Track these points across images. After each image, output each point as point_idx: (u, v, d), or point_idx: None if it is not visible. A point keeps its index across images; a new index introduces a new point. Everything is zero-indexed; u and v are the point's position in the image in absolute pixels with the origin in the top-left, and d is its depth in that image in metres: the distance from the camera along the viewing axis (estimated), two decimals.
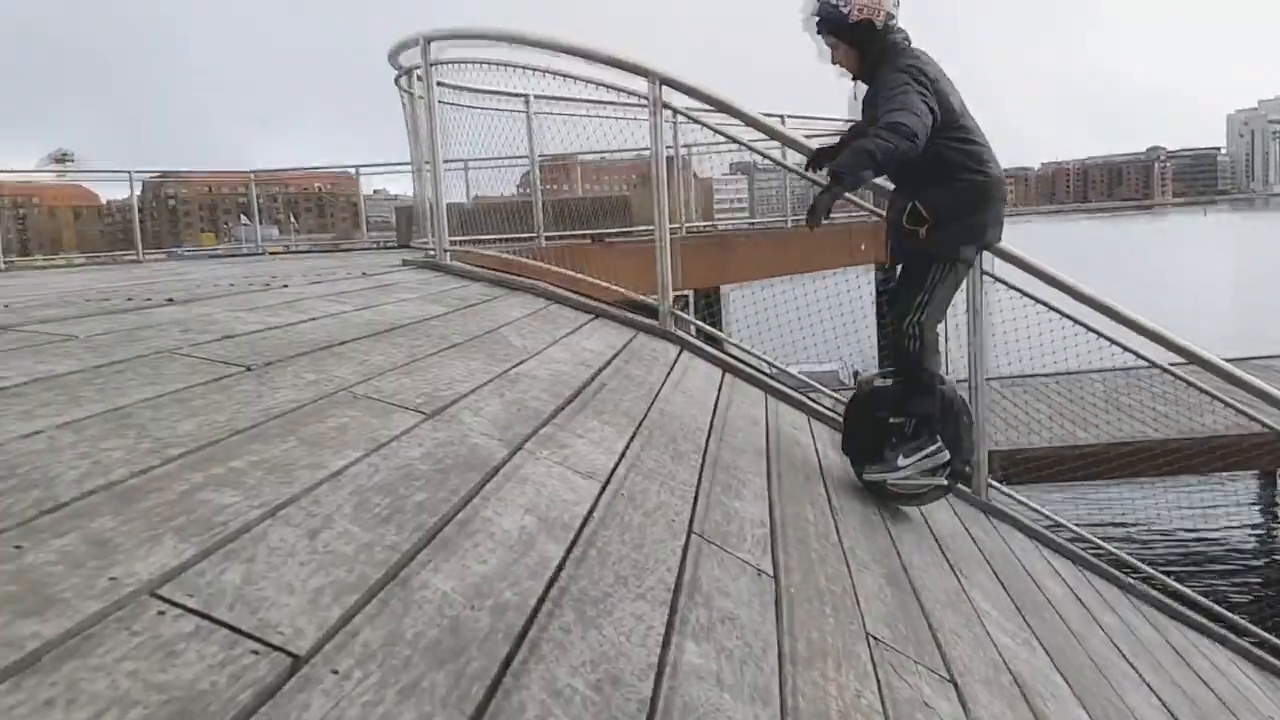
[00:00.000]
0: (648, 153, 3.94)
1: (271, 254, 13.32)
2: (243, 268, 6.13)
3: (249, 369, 1.97)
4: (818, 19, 2.77)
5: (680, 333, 3.80)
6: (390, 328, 2.70)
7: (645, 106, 3.91)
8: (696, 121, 4.19)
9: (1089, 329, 4.18)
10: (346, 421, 1.75)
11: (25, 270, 10.42)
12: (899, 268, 2.89)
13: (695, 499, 2.03)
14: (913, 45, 2.77)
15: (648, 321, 3.71)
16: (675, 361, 3.39)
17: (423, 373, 2.26)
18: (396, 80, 5.33)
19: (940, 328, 2.92)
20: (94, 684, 0.85)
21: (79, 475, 1.26)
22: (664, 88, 3.66)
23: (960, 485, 3.96)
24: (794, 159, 5.68)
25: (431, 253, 4.79)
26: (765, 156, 5.07)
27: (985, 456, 3.99)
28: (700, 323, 4.11)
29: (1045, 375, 8.68)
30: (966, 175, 2.76)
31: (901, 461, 2.84)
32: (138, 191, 12.53)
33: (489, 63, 4.78)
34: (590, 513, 1.69)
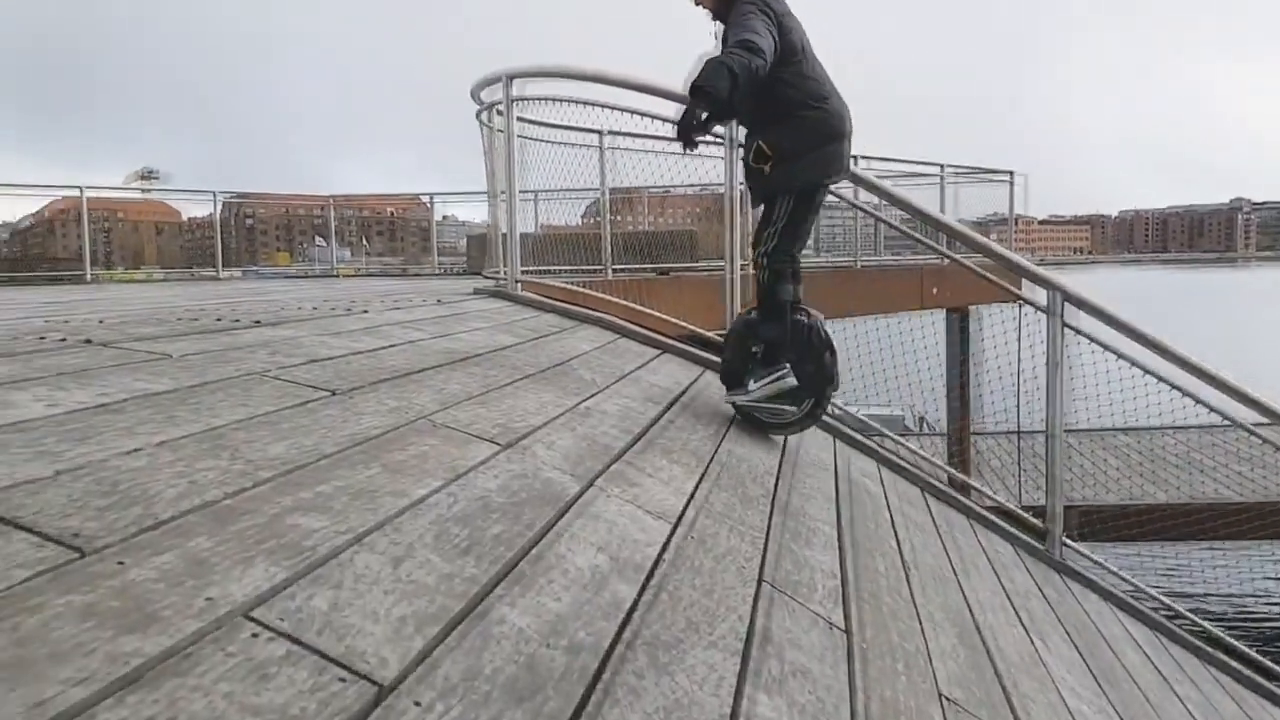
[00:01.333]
0: (714, 187, 3.98)
1: (344, 275, 13.71)
2: (321, 289, 6.33)
3: (334, 394, 2.02)
4: None
5: None
6: (465, 357, 2.75)
7: (705, 141, 3.97)
8: None
9: (1168, 384, 4.05)
10: (426, 450, 1.79)
11: (109, 283, 10.90)
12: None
13: (765, 545, 2.01)
14: None
15: (714, 359, 3.71)
16: None
17: (497, 403, 2.30)
18: (478, 115, 5.48)
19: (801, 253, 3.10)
20: (192, 703, 0.88)
21: (177, 494, 1.30)
22: (739, 126, 3.69)
23: (1029, 539, 3.85)
24: (864, 197, 5.67)
25: (502, 282, 4.87)
26: (836, 195, 5.05)
27: (1060, 512, 3.88)
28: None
29: (1119, 429, 8.41)
30: (804, 111, 2.91)
31: (751, 385, 3.02)
32: (219, 210, 13.02)
33: (568, 99, 4.89)
34: (661, 554, 1.69)
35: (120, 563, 1.09)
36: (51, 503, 1.19)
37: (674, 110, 4.38)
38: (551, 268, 5.69)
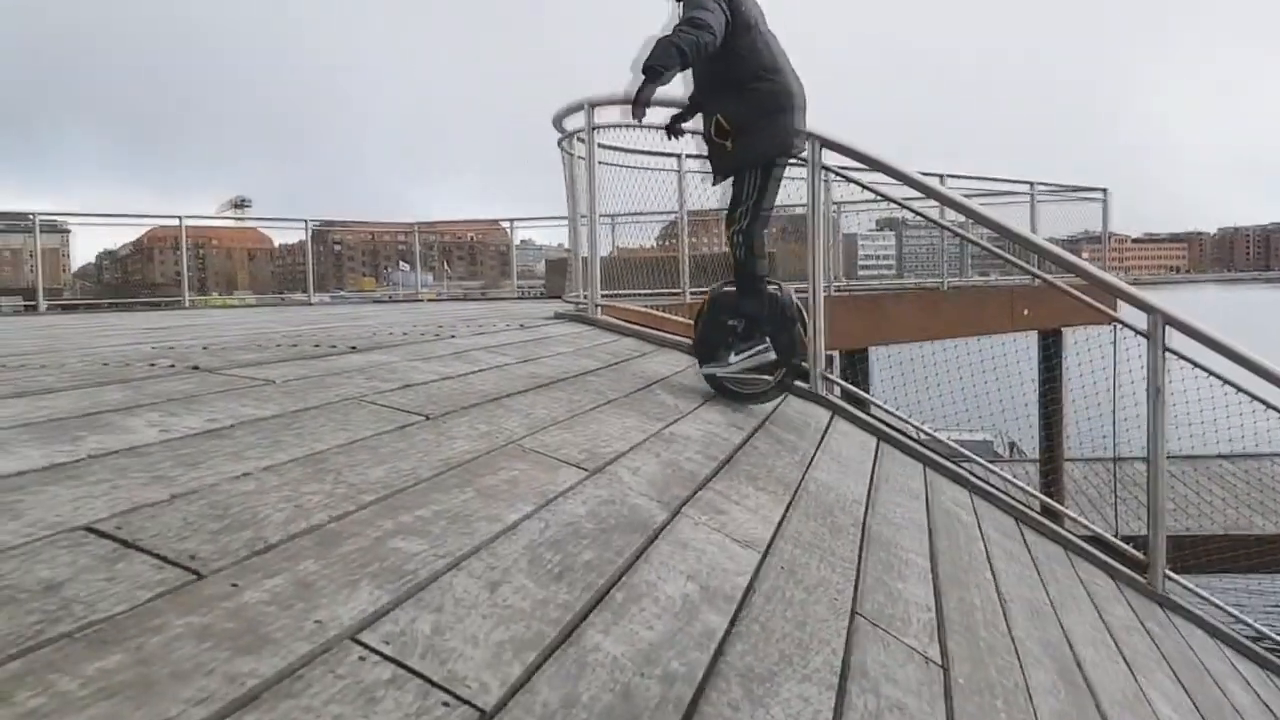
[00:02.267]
0: (791, 208, 3.97)
1: (427, 300, 14.07)
2: (407, 314, 6.50)
3: (427, 418, 2.07)
4: None
5: (831, 397, 3.74)
6: (550, 381, 2.79)
7: (794, 163, 3.98)
8: (851, 180, 4.16)
9: (1276, 409, 3.85)
10: (517, 475, 1.81)
11: (205, 308, 11.41)
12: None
13: (857, 577, 1.97)
14: None
15: (799, 384, 3.66)
16: (827, 427, 3.33)
17: (582, 428, 2.31)
18: (559, 142, 5.57)
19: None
20: None
21: (284, 518, 1.35)
22: (822, 149, 3.67)
23: (1129, 571, 3.69)
24: (951, 217, 5.56)
25: (582, 306, 4.93)
26: (922, 215, 4.97)
27: (1162, 543, 3.70)
28: (852, 388, 4.02)
29: (1223, 456, 8.01)
30: (755, 83, 3.03)
31: (732, 358, 3.14)
32: (303, 236, 13.52)
33: (648, 126, 4.93)
34: (751, 584, 1.67)
35: (234, 585, 1.13)
36: (169, 526, 1.25)
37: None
38: (629, 291, 5.73)
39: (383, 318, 5.81)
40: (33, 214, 12.35)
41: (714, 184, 3.30)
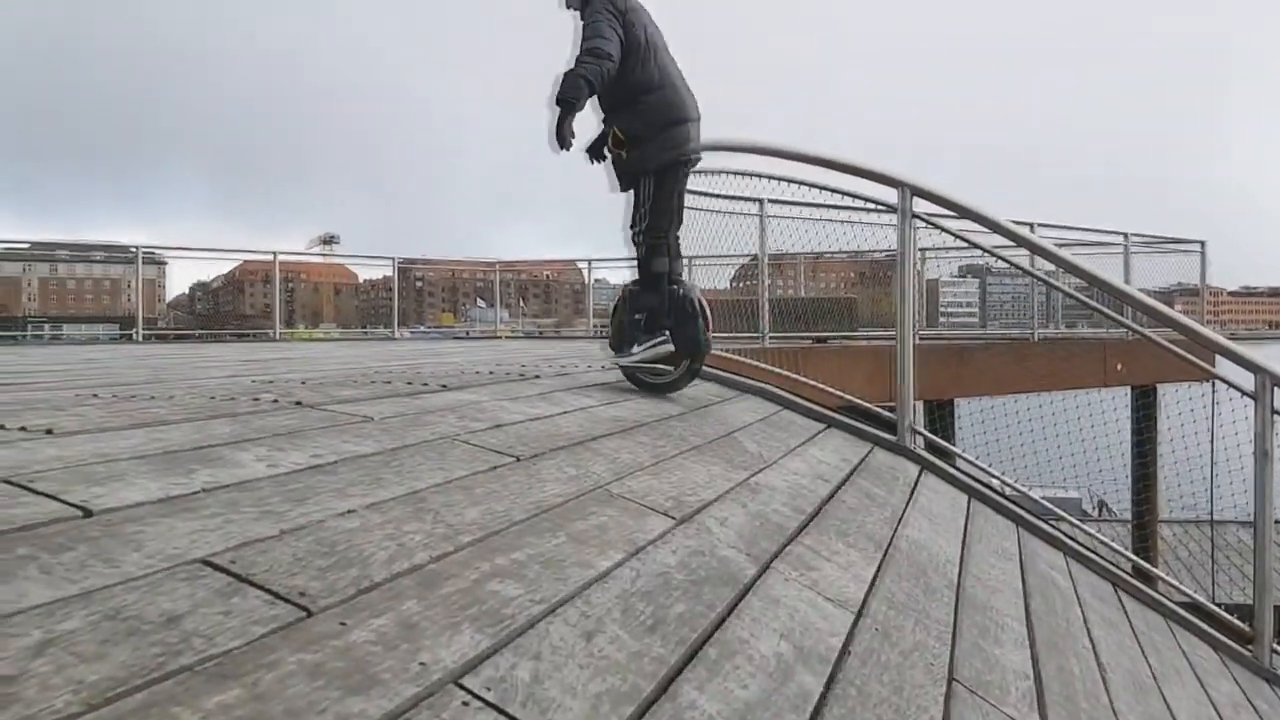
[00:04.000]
0: (872, 253, 3.93)
1: (505, 336, 14.32)
2: (489, 352, 6.62)
3: (518, 459, 2.09)
4: None
5: (919, 450, 3.65)
6: (634, 425, 2.79)
7: (870, 209, 3.98)
8: (939, 228, 4.10)
9: None
10: (606, 521, 1.81)
11: (293, 341, 11.82)
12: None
13: (953, 641, 1.90)
14: None
15: (885, 436, 3.59)
16: (916, 481, 3.25)
17: (668, 474, 2.31)
18: None
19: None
20: None
21: (388, 556, 1.37)
22: (913, 198, 3.64)
23: (1232, 643, 3.49)
24: (1041, 266, 5.43)
25: None
26: (1013, 264, 4.87)
27: (1270, 614, 3.49)
28: (943, 442, 3.92)
29: None
30: (645, 96, 3.27)
31: (635, 349, 3.41)
32: (388, 272, 13.93)
33: (729, 171, 4.98)
34: (845, 645, 1.63)
35: (342, 623, 1.15)
36: (279, 561, 1.28)
37: (818, 174, 4.43)
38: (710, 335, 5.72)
39: (466, 355, 5.93)
40: (135, 246, 13.06)
41: (621, 190, 3.47)
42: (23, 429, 1.86)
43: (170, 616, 1.07)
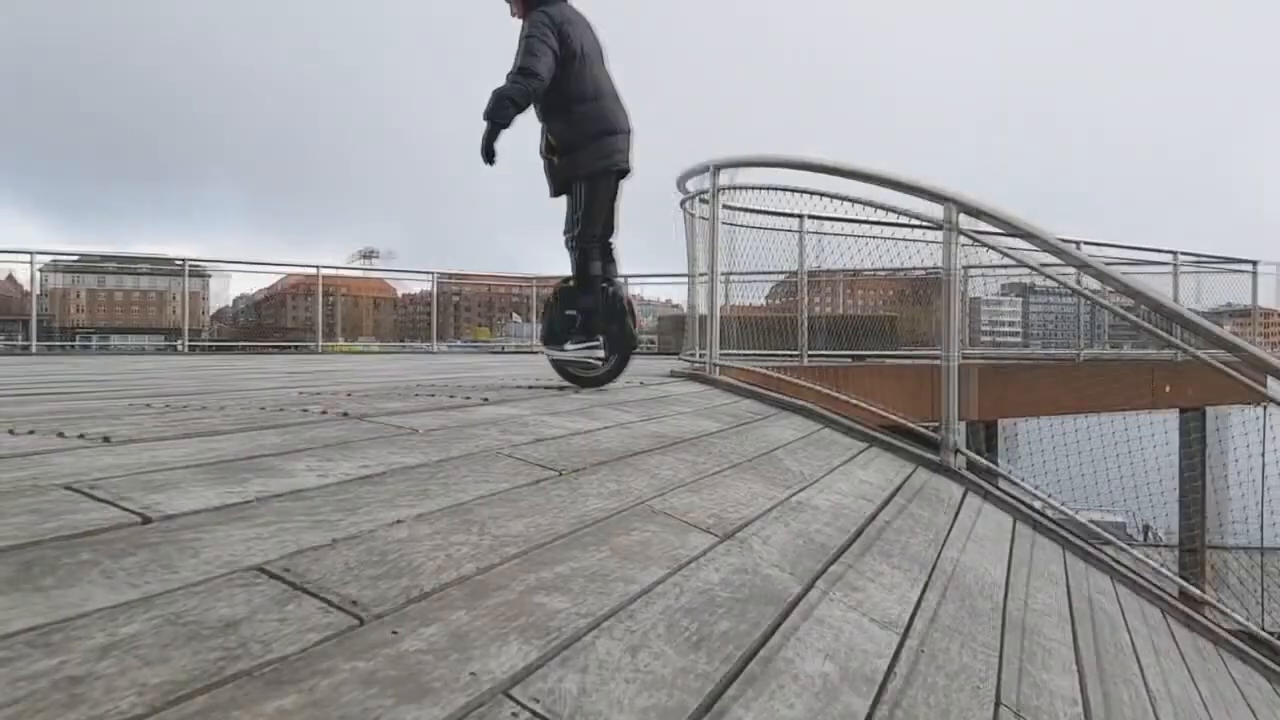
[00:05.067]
0: (912, 270, 3.90)
1: (541, 351, 14.39)
2: (527, 366, 6.65)
3: (560, 474, 2.10)
4: None
5: (964, 471, 3.60)
6: (674, 441, 2.79)
7: (914, 225, 3.94)
8: (986, 245, 4.05)
9: None
10: (648, 536, 1.81)
11: (334, 353, 11.99)
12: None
13: (1000, 665, 1.87)
14: None
15: (929, 456, 3.54)
16: (961, 503, 3.20)
17: (709, 491, 2.30)
18: (682, 203, 5.67)
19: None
20: None
21: (436, 567, 1.39)
22: (960, 214, 3.61)
23: (1276, 666, 3.40)
24: (1088, 285, 5.33)
25: (699, 365, 4.94)
26: (1062, 284, 4.80)
27: None
28: (987, 462, 3.86)
29: None
30: (578, 106, 3.43)
31: (569, 346, 3.62)
32: (428, 286, 14.10)
33: (769, 186, 4.97)
34: (891, 667, 1.61)
35: (394, 632, 1.16)
36: (332, 569, 1.30)
37: (863, 190, 4.42)
38: (746, 351, 5.71)
39: (504, 369, 5.97)
40: (182, 259, 13.37)
41: (552, 195, 3.62)
42: (81, 436, 1.91)
43: (228, 622, 1.09)
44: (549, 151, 3.52)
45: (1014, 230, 3.78)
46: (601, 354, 3.63)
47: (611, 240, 3.72)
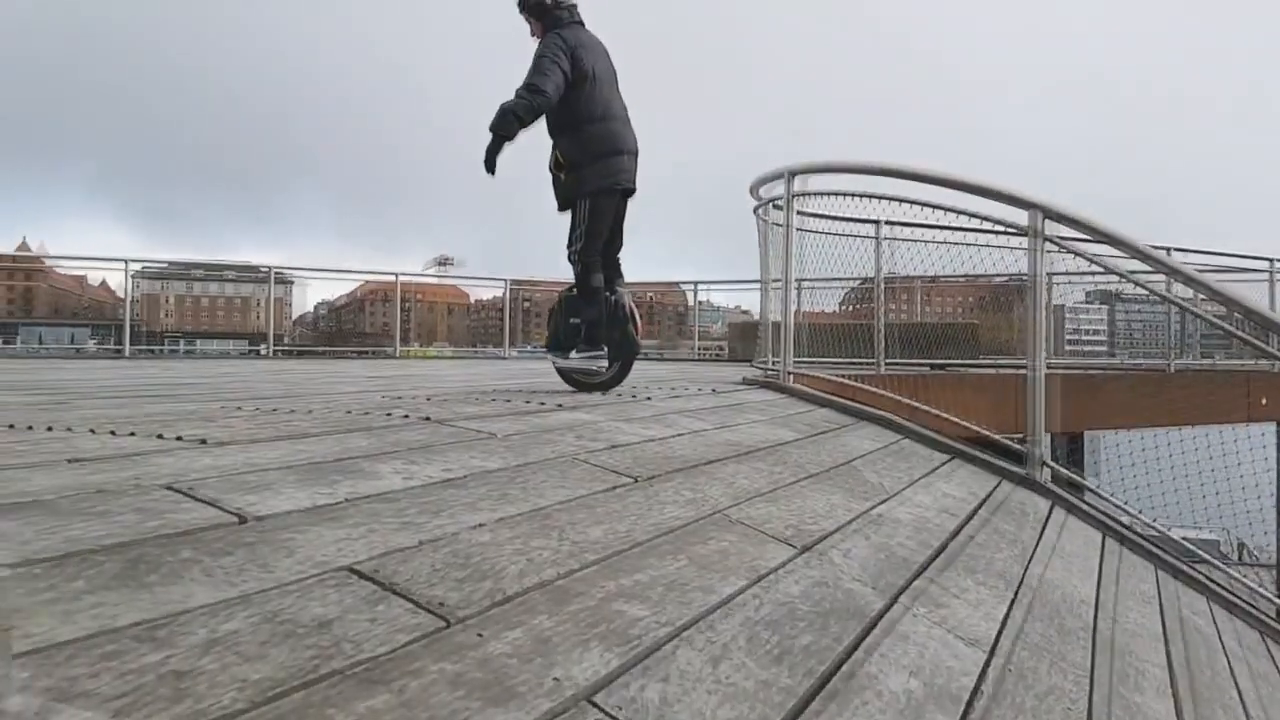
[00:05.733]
0: (992, 277, 3.79)
1: None
2: None
3: (636, 481, 2.10)
4: (517, 3, 3.64)
5: (1050, 485, 3.48)
6: (749, 451, 2.77)
7: (997, 232, 3.84)
8: (1073, 252, 3.91)
9: None
10: (726, 546, 1.80)
11: (411, 359, 12.25)
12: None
13: (1090, 686, 1.80)
14: (575, 19, 3.63)
15: (1014, 469, 3.44)
16: (1047, 518, 3.10)
17: (786, 502, 2.27)
18: (755, 209, 5.63)
19: None
20: None
21: (519, 571, 1.40)
22: (1046, 221, 3.49)
23: None
24: (1180, 292, 5.11)
25: (772, 373, 4.89)
26: (1152, 291, 4.62)
27: None
28: (1075, 476, 3.72)
29: None
30: (587, 126, 3.54)
31: (573, 355, 3.71)
32: (499, 293, 14.29)
33: (848, 193, 4.89)
34: (978, 686, 1.56)
35: (479, 635, 1.18)
36: (419, 571, 1.32)
37: (940, 194, 4.31)
38: (820, 359, 5.63)
39: None
40: (267, 267, 13.86)
41: (559, 210, 3.70)
42: (179, 439, 1.99)
43: (322, 621, 1.12)
44: (557, 167, 3.63)
45: (1101, 236, 3.65)
46: (604, 362, 3.72)
47: (619, 255, 3.85)
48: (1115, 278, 5.27)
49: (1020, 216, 3.75)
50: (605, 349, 3.71)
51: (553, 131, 3.61)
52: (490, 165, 3.44)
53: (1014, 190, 3.68)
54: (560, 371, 3.84)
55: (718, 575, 1.63)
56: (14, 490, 1.47)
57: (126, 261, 12.46)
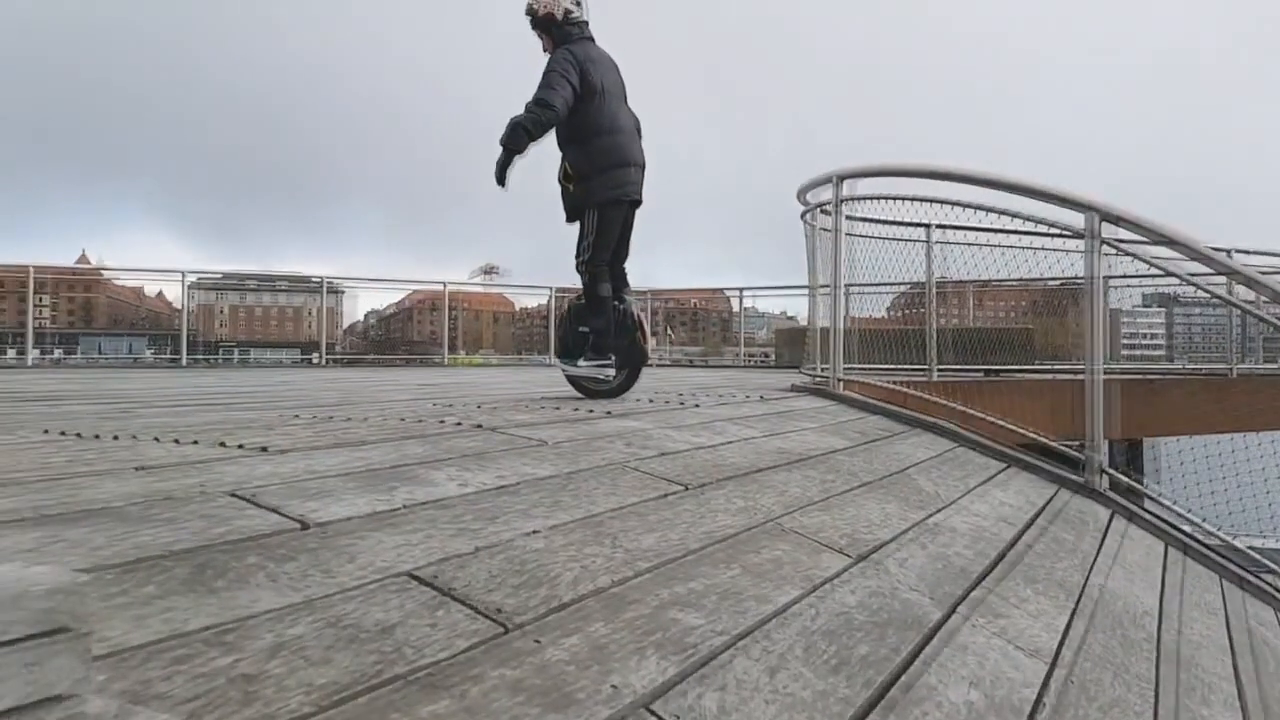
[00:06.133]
0: (1045, 281, 3.71)
1: (654, 364, 14.45)
2: (644, 379, 6.68)
3: (687, 488, 2.10)
4: (529, 19, 3.72)
5: (1110, 493, 3.39)
6: (800, 458, 2.75)
7: (1052, 235, 3.76)
8: (1131, 254, 3.80)
9: None
10: (779, 555, 1.78)
11: (458, 367, 12.39)
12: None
13: (1155, 699, 1.75)
14: (585, 35, 3.72)
15: (1072, 476, 3.36)
16: (1108, 527, 3.02)
17: (839, 510, 2.25)
18: (803, 215, 5.59)
19: None
20: None
21: (573, 578, 1.41)
22: (1102, 223, 3.42)
23: None
24: (1242, 295, 4.94)
25: (821, 379, 4.85)
26: (1215, 294, 4.48)
27: None
28: (1135, 483, 3.62)
29: None
30: (595, 139, 3.61)
31: (581, 363, 3.79)
32: (544, 300, 14.40)
33: (897, 197, 4.84)
34: (1040, 698, 1.52)
35: (537, 641, 1.18)
36: (476, 577, 1.34)
37: (992, 197, 4.24)
38: (869, 366, 5.56)
39: None
40: (320, 277, 14.15)
41: (567, 221, 3.77)
42: (240, 446, 2.04)
43: (384, 626, 1.14)
44: (565, 179, 3.70)
45: (1159, 238, 3.55)
46: (612, 371, 3.79)
47: (625, 265, 3.91)
48: (1174, 280, 5.14)
49: (1075, 219, 3.67)
50: (613, 357, 3.77)
51: (562, 144, 3.68)
52: (501, 178, 3.52)
53: (1069, 192, 3.60)
54: (569, 379, 3.92)
55: (772, 584, 1.61)
56: (85, 497, 1.52)
57: (184, 273, 12.82)
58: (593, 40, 3.75)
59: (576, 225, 3.75)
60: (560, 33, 3.68)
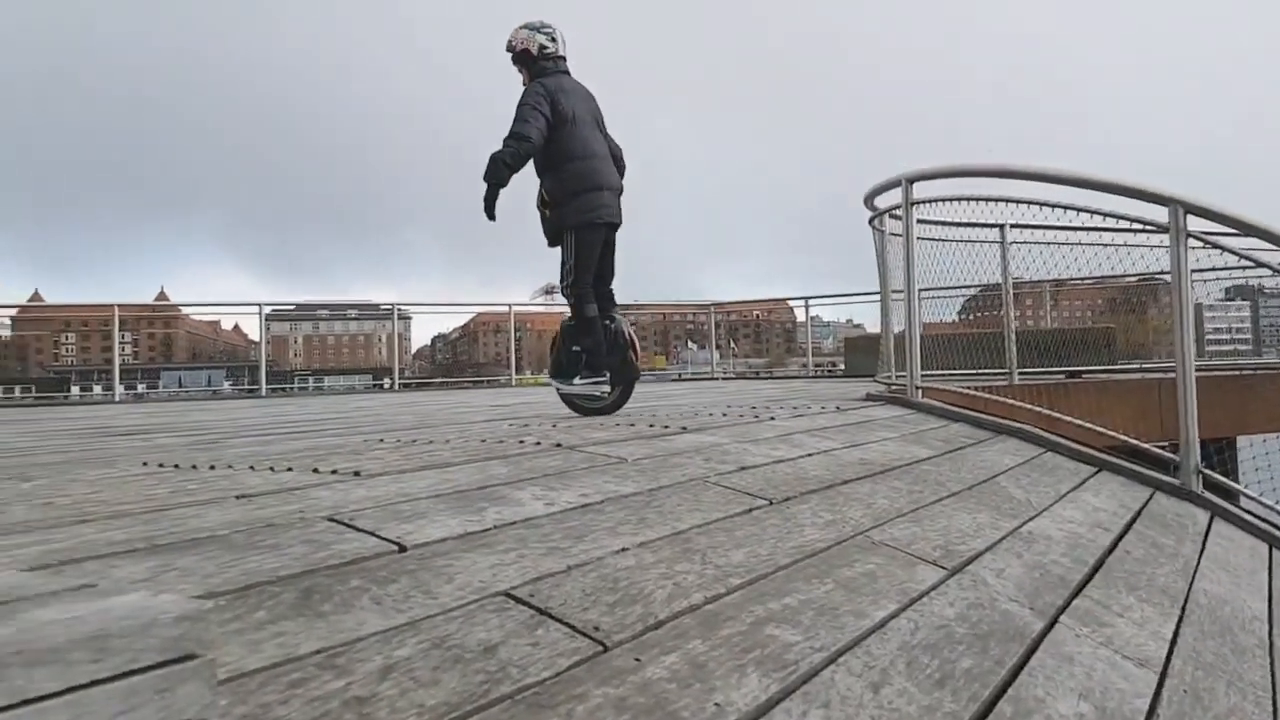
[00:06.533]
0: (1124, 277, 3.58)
1: (722, 378, 14.41)
2: (715, 394, 6.68)
3: (771, 503, 2.08)
4: (510, 54, 3.94)
5: (1208, 495, 3.25)
6: (884, 469, 2.70)
7: (1133, 230, 3.65)
8: (1218, 247, 3.66)
9: None
10: (872, 569, 1.76)
11: (523, 386, 12.52)
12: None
13: (1274, 707, 1.66)
14: (560, 69, 3.91)
15: (1164, 479, 3.23)
16: (1208, 530, 2.90)
17: (930, 521, 2.20)
18: (871, 221, 5.52)
19: None
20: None
21: (666, 595, 1.41)
22: (1187, 215, 3.29)
23: None
24: None
25: (897, 388, 4.76)
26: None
27: None
28: (1234, 485, 3.46)
29: None
30: (567, 164, 3.76)
31: (576, 381, 3.89)
32: None
33: (969, 198, 4.74)
34: (1153, 708, 1.47)
35: (636, 659, 1.18)
36: (571, 596, 1.35)
37: (1074, 194, 4.12)
38: (946, 372, 5.44)
39: (694, 398, 6.02)
40: (390, 304, 14.51)
41: (548, 245, 3.89)
42: (334, 472, 2.09)
43: (486, 646, 1.15)
44: (543, 205, 3.83)
45: (1246, 228, 3.41)
46: (608, 388, 3.89)
47: (611, 286, 4.03)
48: (1264, 271, 4.92)
49: (1157, 213, 3.55)
50: (607, 375, 3.87)
51: (539, 171, 3.83)
52: (490, 212, 3.69)
53: (1150, 185, 3.48)
54: (564, 397, 4.03)
55: (868, 598, 1.59)
56: (191, 526, 1.57)
57: (260, 305, 13.25)
58: (568, 73, 3.95)
59: (559, 250, 3.88)
60: (536, 67, 3.88)
